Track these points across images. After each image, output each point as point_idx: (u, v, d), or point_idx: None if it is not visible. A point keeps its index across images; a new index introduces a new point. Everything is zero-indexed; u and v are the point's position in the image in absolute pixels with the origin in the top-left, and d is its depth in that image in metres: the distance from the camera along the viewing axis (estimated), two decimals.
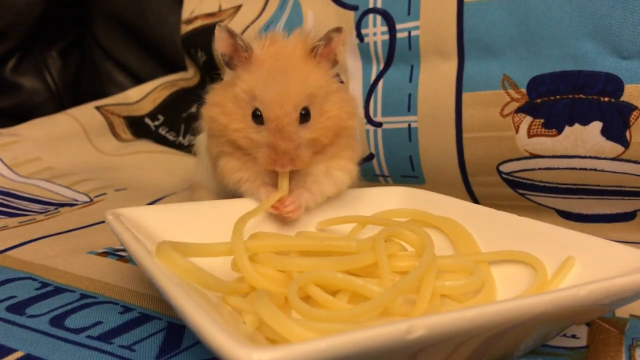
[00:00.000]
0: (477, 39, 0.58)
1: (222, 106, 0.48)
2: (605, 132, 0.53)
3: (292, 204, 0.48)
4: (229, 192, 0.52)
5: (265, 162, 0.46)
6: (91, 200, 0.78)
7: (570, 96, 0.54)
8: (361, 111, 0.68)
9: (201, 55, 1.00)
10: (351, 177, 0.51)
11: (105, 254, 0.52)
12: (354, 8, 0.67)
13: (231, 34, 0.47)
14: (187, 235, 0.42)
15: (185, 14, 1.01)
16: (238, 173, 0.50)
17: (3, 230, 0.61)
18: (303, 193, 0.49)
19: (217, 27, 0.46)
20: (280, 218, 0.49)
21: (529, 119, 0.56)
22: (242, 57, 0.47)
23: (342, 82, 0.69)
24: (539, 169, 0.58)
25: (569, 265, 0.37)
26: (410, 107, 0.64)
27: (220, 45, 0.47)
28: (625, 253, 0.35)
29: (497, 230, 0.44)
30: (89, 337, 0.37)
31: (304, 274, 0.35)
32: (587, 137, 0.54)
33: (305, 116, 0.46)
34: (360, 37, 0.67)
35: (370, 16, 0.66)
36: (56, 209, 0.73)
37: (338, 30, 0.47)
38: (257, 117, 0.46)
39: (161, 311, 0.40)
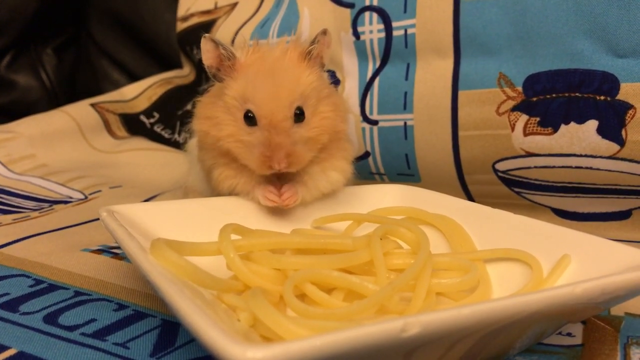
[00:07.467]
0: (473, 37, 0.58)
1: (212, 118, 0.47)
2: (601, 131, 0.53)
3: (288, 192, 0.47)
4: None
5: (258, 161, 0.45)
6: (86, 197, 0.78)
7: (566, 94, 0.54)
8: (356, 109, 0.68)
9: (197, 52, 0.99)
10: (346, 176, 0.51)
11: (99, 251, 0.52)
12: (350, 6, 0.67)
13: (216, 44, 0.46)
14: (181, 232, 0.42)
15: (181, 11, 1.00)
16: (234, 180, 0.49)
17: None
18: (298, 184, 0.49)
19: (202, 39, 0.46)
20: (276, 214, 0.49)
21: (524, 117, 0.56)
22: (227, 66, 0.46)
23: (338, 80, 0.69)
24: (535, 167, 0.58)
25: (564, 264, 0.37)
26: (406, 105, 0.64)
27: (207, 57, 0.47)
28: (621, 251, 0.35)
29: (493, 228, 0.44)
30: (83, 334, 0.36)
31: (300, 272, 0.35)
32: (582, 135, 0.54)
33: (300, 116, 0.45)
34: (357, 34, 0.67)
35: (367, 14, 0.66)
36: (50, 206, 0.73)
37: (323, 32, 0.47)
38: (250, 119, 0.45)
39: (155, 309, 0.40)
